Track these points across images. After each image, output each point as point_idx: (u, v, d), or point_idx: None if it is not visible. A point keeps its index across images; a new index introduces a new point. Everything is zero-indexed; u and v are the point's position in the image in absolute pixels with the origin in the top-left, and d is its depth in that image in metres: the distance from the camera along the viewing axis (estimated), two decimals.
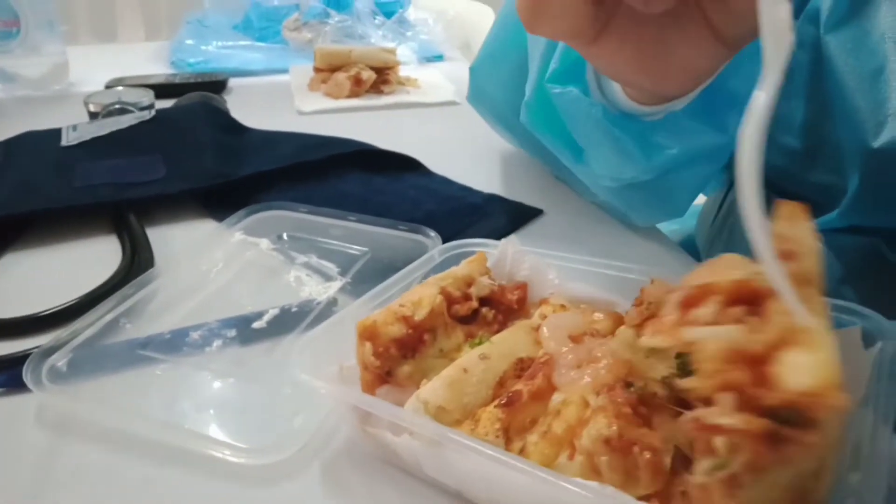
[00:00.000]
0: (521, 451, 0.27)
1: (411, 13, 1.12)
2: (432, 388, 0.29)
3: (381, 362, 0.31)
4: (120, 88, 0.75)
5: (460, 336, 0.34)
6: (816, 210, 0.51)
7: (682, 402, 0.25)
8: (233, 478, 0.32)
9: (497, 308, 0.36)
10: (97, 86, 0.89)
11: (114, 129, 0.62)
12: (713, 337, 0.24)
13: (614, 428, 0.25)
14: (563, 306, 0.35)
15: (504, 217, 0.57)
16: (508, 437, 0.28)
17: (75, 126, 0.64)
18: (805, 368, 0.21)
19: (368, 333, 0.31)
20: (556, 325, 0.32)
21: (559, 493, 0.24)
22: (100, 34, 2.75)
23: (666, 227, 0.80)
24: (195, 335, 0.39)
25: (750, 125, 0.25)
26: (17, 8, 0.84)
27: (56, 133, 0.63)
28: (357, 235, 0.50)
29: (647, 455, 0.25)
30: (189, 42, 1.02)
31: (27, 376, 0.35)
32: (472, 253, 0.42)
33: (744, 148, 0.24)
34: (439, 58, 1.06)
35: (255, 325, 0.40)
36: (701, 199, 0.73)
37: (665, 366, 0.28)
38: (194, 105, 0.69)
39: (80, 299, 0.43)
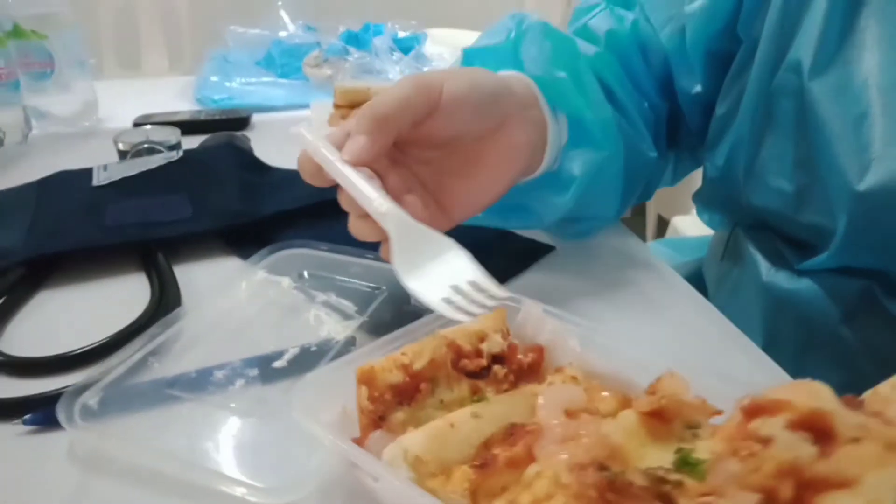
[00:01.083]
0: None
1: (428, 48, 1.15)
2: (415, 437, 0.30)
3: (375, 407, 0.32)
4: (148, 127, 0.78)
5: (465, 389, 0.35)
6: (810, 251, 0.53)
7: (660, 496, 0.26)
8: None
9: (509, 368, 0.37)
10: (125, 121, 0.93)
11: (143, 168, 0.65)
12: (784, 438, 0.23)
13: None
14: (574, 378, 0.35)
15: (516, 254, 0.58)
16: (476, 499, 0.28)
17: (106, 166, 0.67)
18: None
19: (366, 378, 0.33)
20: (554, 397, 0.32)
21: None
22: (125, 66, 2.82)
23: (674, 260, 0.81)
24: (219, 374, 0.41)
25: None
26: (51, 50, 0.87)
27: (87, 173, 0.66)
28: (374, 273, 0.51)
29: None
30: (213, 79, 1.05)
31: (60, 414, 0.36)
32: (506, 304, 0.43)
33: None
34: None
35: (276, 364, 0.42)
36: (708, 232, 0.75)
37: (659, 457, 0.29)
38: (220, 145, 0.72)
39: (109, 338, 0.45)
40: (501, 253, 0.58)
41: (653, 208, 2.38)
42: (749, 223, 0.62)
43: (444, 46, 1.16)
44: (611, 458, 0.27)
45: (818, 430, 0.25)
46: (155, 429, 0.39)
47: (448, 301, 0.39)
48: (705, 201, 0.66)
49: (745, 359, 0.47)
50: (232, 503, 0.33)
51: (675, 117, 0.64)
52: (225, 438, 0.38)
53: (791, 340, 0.47)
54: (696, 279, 0.71)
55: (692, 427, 0.31)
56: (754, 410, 0.26)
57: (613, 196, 0.58)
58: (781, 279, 0.56)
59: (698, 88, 0.59)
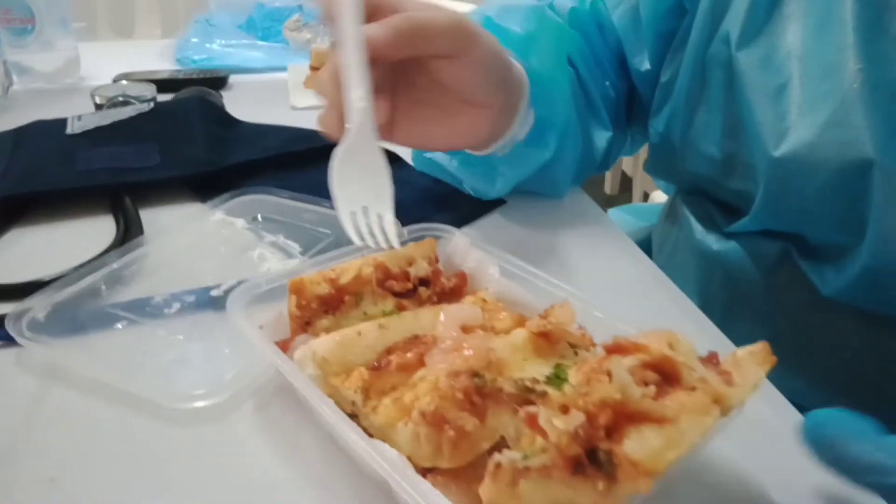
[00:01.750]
0: (373, 410, 0.31)
1: None
2: (323, 341, 0.33)
3: (302, 313, 0.36)
4: (124, 82, 0.81)
5: (390, 305, 0.39)
6: (736, 215, 0.56)
7: (524, 402, 0.29)
8: (172, 419, 0.37)
9: (433, 290, 0.41)
10: (106, 80, 0.95)
11: (115, 119, 0.68)
12: (620, 377, 0.26)
13: (433, 405, 0.29)
14: (484, 300, 0.39)
15: (468, 206, 0.61)
16: (368, 395, 0.32)
17: (80, 116, 0.69)
18: (648, 446, 0.24)
19: (296, 288, 0.36)
20: (453, 314, 0.36)
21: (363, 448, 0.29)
22: (118, 31, 2.82)
23: (629, 226, 0.85)
24: (158, 299, 0.45)
25: None
26: (32, 6, 0.89)
27: (62, 122, 0.69)
28: (326, 220, 0.54)
29: (451, 433, 0.28)
30: (194, 40, 1.07)
31: (9, 326, 0.40)
32: (436, 235, 0.47)
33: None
34: None
35: (213, 293, 0.45)
36: (663, 199, 0.78)
37: (538, 370, 0.32)
38: (190, 99, 0.75)
39: (71, 269, 0.48)
40: (454, 201, 0.62)
41: (639, 186, 2.41)
42: (686, 188, 0.65)
43: None
44: (488, 367, 0.31)
45: (666, 373, 0.28)
46: (95, 344, 0.42)
47: (353, 216, 0.42)
48: (651, 168, 0.69)
49: (675, 308, 0.50)
50: (158, 409, 0.37)
51: (630, 93, 0.67)
52: (155, 354, 0.42)
53: (719, 300, 0.50)
54: (647, 243, 0.75)
55: (576, 347, 0.35)
56: (614, 349, 0.29)
57: (557, 184, 0.61)
58: (711, 241, 0.60)
59: (647, 66, 0.62)
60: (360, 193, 0.43)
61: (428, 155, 0.63)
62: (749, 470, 0.35)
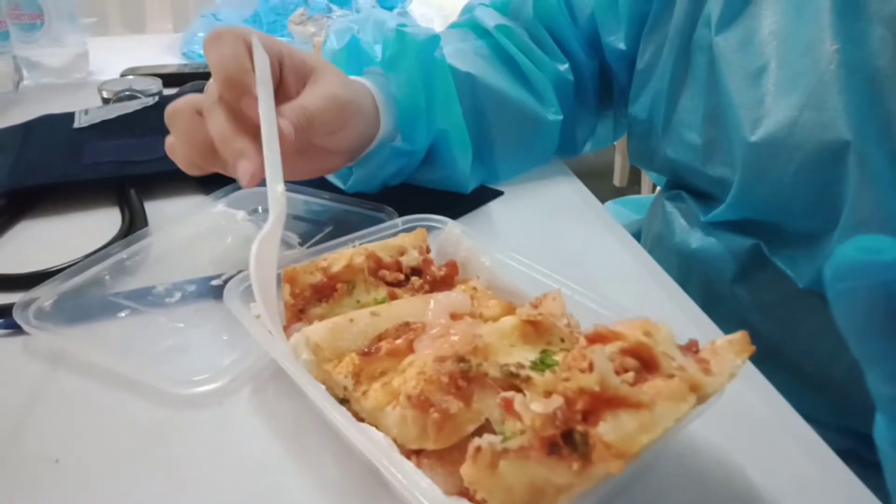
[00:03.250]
0: (364, 394, 0.32)
1: (413, 9, 1.18)
2: (317, 328, 0.34)
3: (296, 301, 0.37)
4: (131, 77, 0.82)
5: (383, 293, 0.40)
6: (713, 203, 0.56)
7: (509, 387, 0.30)
8: (173, 403, 0.38)
9: (424, 279, 0.42)
10: (114, 74, 0.97)
11: (121, 112, 0.69)
12: (601, 366, 0.26)
13: (419, 389, 0.30)
14: (475, 289, 0.40)
15: (467, 197, 0.62)
16: (359, 380, 0.33)
17: (87, 110, 0.71)
18: (622, 429, 0.25)
19: (289, 277, 0.38)
20: (442, 302, 0.37)
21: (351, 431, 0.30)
22: (129, 27, 2.85)
23: (625, 219, 0.85)
24: (160, 288, 0.46)
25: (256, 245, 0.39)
26: (41, 2, 0.91)
27: (70, 116, 0.70)
28: (326, 212, 0.55)
29: (436, 416, 0.29)
30: (200, 35, 1.09)
31: (17, 315, 0.42)
32: (429, 225, 0.48)
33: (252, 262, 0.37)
34: None
35: (213, 282, 0.47)
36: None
37: (524, 356, 0.33)
38: (195, 91, 0.76)
39: (77, 259, 0.50)
40: (454, 194, 0.62)
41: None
42: (668, 183, 0.66)
43: (430, 7, 1.19)
44: (474, 352, 0.31)
45: (644, 360, 0.29)
46: (99, 331, 0.44)
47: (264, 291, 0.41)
48: (632, 156, 0.70)
49: (667, 298, 0.51)
50: (159, 394, 0.39)
51: (605, 74, 0.68)
52: (159, 340, 0.43)
53: (696, 299, 0.51)
54: (640, 236, 0.75)
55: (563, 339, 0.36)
56: (595, 338, 0.30)
57: (458, 180, 0.61)
58: (690, 239, 0.60)
59: (623, 46, 0.63)
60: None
61: None
62: (733, 455, 0.36)
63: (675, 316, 0.48)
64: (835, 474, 0.35)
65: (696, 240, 0.60)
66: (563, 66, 0.65)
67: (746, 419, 0.38)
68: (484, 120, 0.63)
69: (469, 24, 0.67)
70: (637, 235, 0.75)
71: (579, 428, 0.24)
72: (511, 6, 0.66)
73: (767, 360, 0.40)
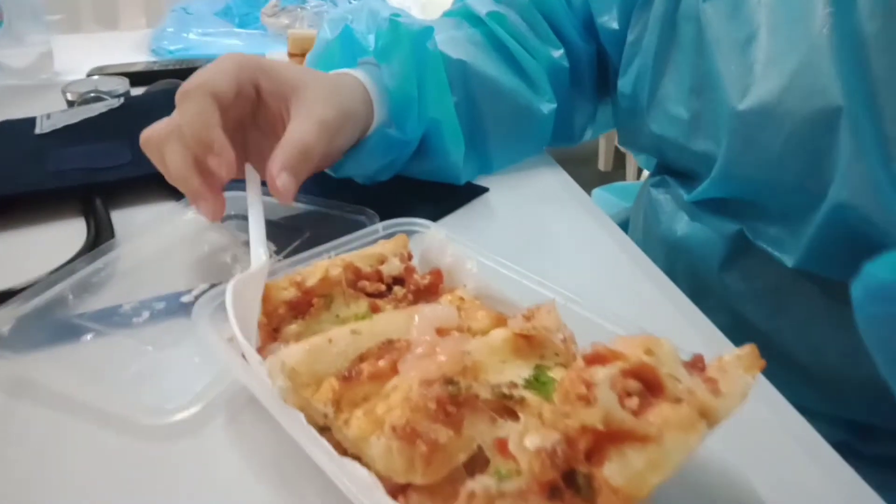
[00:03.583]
0: (346, 423, 0.29)
1: None
2: (292, 351, 0.32)
3: (270, 320, 0.35)
4: (96, 77, 0.78)
5: (363, 306, 0.37)
6: (697, 183, 0.55)
7: (502, 409, 0.28)
8: (141, 436, 0.36)
9: (408, 289, 0.39)
10: (81, 74, 0.93)
11: (85, 116, 0.66)
12: (604, 399, 0.24)
13: (404, 419, 0.27)
14: (462, 298, 0.37)
15: (450, 195, 0.59)
16: (340, 407, 0.30)
17: (49, 115, 0.67)
18: (630, 469, 0.22)
19: (265, 295, 0.35)
20: (428, 316, 0.34)
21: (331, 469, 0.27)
22: (102, 22, 2.78)
23: (612, 207, 0.83)
24: (127, 307, 0.43)
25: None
26: None
27: (31, 122, 0.67)
28: (302, 216, 0.53)
29: (424, 448, 0.26)
30: (170, 30, 1.05)
31: None
32: (413, 230, 0.45)
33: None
34: None
35: (184, 298, 0.44)
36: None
37: (516, 373, 0.30)
38: (161, 92, 0.73)
39: (40, 278, 0.47)
40: (436, 191, 0.60)
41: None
42: (654, 158, 0.65)
43: None
44: (463, 373, 0.29)
45: (648, 382, 0.26)
46: (63, 357, 0.41)
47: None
48: (620, 136, 0.68)
49: (662, 297, 0.49)
50: (126, 425, 0.36)
51: (602, 59, 0.65)
52: (126, 365, 0.40)
53: (684, 289, 0.49)
54: (626, 226, 0.74)
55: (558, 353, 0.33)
56: (593, 358, 0.28)
57: (450, 171, 0.60)
58: (676, 226, 0.59)
59: (615, 25, 0.61)
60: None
61: None
62: (739, 468, 0.34)
63: (673, 318, 0.46)
64: (834, 471, 0.34)
65: (681, 227, 0.58)
66: (558, 53, 0.64)
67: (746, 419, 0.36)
68: (477, 109, 0.61)
69: (462, 13, 0.65)
70: (625, 224, 0.73)
71: (582, 469, 0.22)
72: None
73: (760, 349, 0.39)
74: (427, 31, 0.56)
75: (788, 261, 0.50)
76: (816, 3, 0.44)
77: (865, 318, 0.19)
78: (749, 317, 0.55)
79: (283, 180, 0.45)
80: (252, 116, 0.50)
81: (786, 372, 0.51)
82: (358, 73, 0.54)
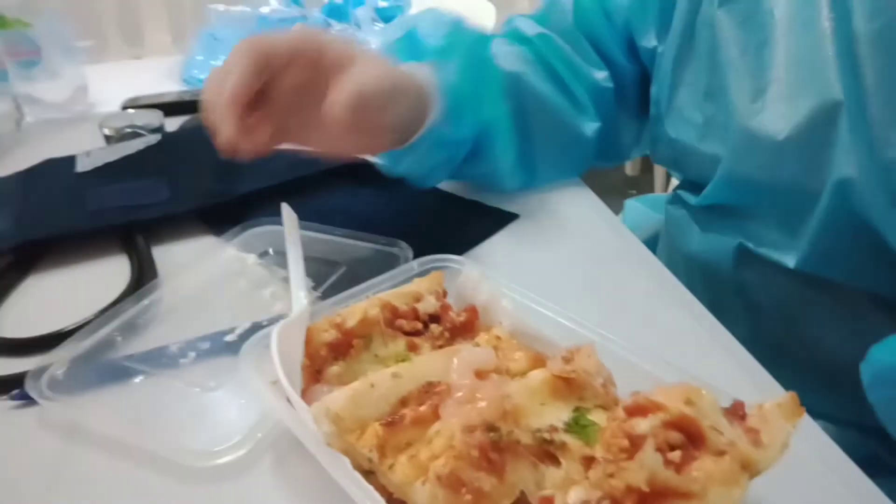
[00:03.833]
0: (390, 468, 0.30)
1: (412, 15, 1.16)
2: (337, 397, 0.33)
3: (312, 362, 0.36)
4: (132, 111, 0.81)
5: (401, 345, 0.38)
6: (705, 187, 0.56)
7: (543, 453, 0.28)
8: (189, 478, 0.37)
9: (444, 326, 0.40)
10: (115, 104, 0.95)
11: (123, 153, 0.68)
12: (649, 460, 0.25)
13: (448, 467, 0.28)
14: (498, 337, 0.38)
15: (481, 224, 0.60)
16: (384, 452, 0.31)
17: (89, 152, 0.70)
18: None
19: (306, 337, 0.36)
20: (466, 359, 0.35)
21: None
22: (128, 41, 2.85)
23: (645, 219, 0.83)
24: (174, 348, 0.45)
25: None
26: (36, 39, 0.90)
27: (71, 160, 0.69)
28: (337, 250, 0.54)
29: (468, 497, 0.27)
30: (199, 58, 1.07)
31: (30, 388, 0.40)
32: (448, 267, 0.46)
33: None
34: None
35: (227, 338, 0.45)
36: None
37: (556, 415, 0.31)
38: (196, 127, 0.74)
39: (89, 318, 0.49)
40: (466, 219, 0.61)
41: (660, 167, 2.37)
42: (669, 167, 0.67)
43: None
44: (503, 418, 0.30)
45: (690, 434, 0.27)
46: (112, 400, 0.42)
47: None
48: (648, 147, 0.70)
49: (698, 327, 0.49)
50: (174, 467, 0.37)
51: (646, 78, 0.67)
52: (175, 406, 0.42)
53: (704, 301, 0.51)
54: (652, 244, 0.75)
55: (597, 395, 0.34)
56: (634, 409, 0.28)
57: (497, 177, 0.63)
58: (691, 242, 0.61)
59: (654, 42, 0.63)
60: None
61: None
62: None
63: (709, 351, 0.46)
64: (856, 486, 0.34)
65: (694, 242, 0.61)
66: (602, 74, 0.66)
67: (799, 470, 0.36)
68: (527, 121, 0.64)
69: (510, 34, 0.68)
70: (656, 237, 0.74)
71: None
72: (550, 17, 0.68)
73: (774, 357, 0.42)
74: (487, 38, 0.60)
75: (790, 261, 0.52)
76: (821, 10, 0.48)
77: (876, 400, 0.19)
78: (767, 328, 0.57)
79: (340, 108, 0.45)
80: (308, 87, 0.50)
81: (808, 381, 0.52)
82: (419, 69, 0.56)
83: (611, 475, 0.24)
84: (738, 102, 0.52)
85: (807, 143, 0.49)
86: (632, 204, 0.97)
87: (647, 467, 0.24)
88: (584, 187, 0.69)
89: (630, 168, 2.59)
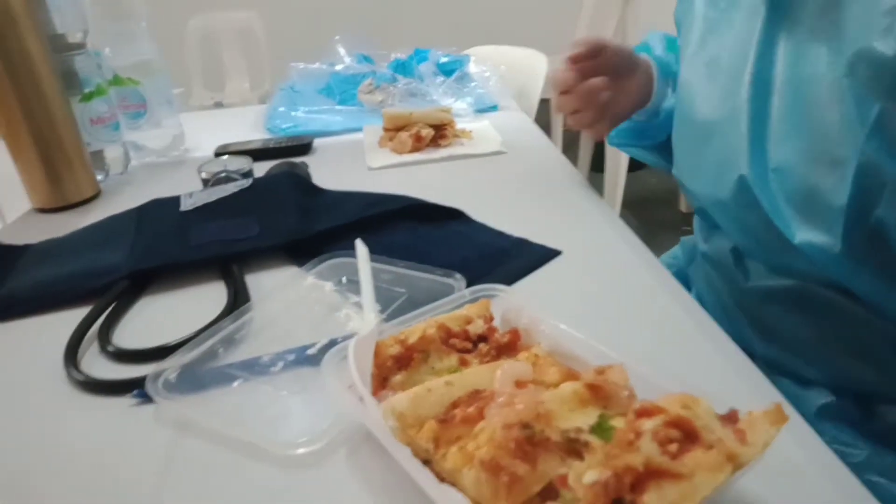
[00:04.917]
0: (443, 457, 0.37)
1: (472, 68, 1.25)
2: (400, 398, 0.40)
3: (380, 371, 0.43)
4: (225, 157, 0.92)
5: (454, 360, 0.46)
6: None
7: (571, 450, 0.35)
8: (277, 465, 0.45)
9: (490, 346, 0.47)
10: (208, 150, 1.08)
11: (220, 195, 0.78)
12: (646, 447, 0.31)
13: (490, 455, 0.34)
14: (536, 355, 0.45)
15: (526, 259, 0.67)
16: (438, 444, 0.38)
17: (191, 194, 0.81)
18: (665, 498, 0.29)
19: (375, 350, 0.44)
20: (507, 371, 0.42)
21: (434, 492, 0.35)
22: (210, 88, 3.06)
23: (664, 259, 0.88)
24: (266, 358, 0.53)
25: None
26: (144, 93, 1.03)
27: (176, 200, 0.80)
28: (400, 280, 0.62)
29: (506, 478, 0.33)
30: (281, 109, 1.19)
31: (149, 388, 0.49)
32: (495, 295, 0.53)
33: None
34: (494, 108, 1.18)
35: (309, 351, 0.54)
36: None
37: (583, 420, 0.37)
38: (281, 173, 0.85)
39: (193, 333, 0.58)
40: (514, 254, 0.68)
41: None
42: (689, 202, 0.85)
43: (487, 65, 1.26)
44: (537, 419, 0.36)
45: (687, 432, 0.33)
46: (217, 399, 0.51)
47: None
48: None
49: (725, 362, 0.54)
50: (266, 455, 0.45)
51: None
52: (266, 406, 0.50)
53: (710, 301, 0.60)
54: (682, 277, 0.84)
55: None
56: (641, 412, 0.35)
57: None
58: (698, 242, 0.74)
59: None
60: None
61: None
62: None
63: (727, 376, 0.52)
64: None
65: (700, 243, 0.75)
66: None
67: (787, 468, 0.42)
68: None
69: (642, 48, 0.89)
70: (678, 274, 0.83)
71: (628, 497, 0.29)
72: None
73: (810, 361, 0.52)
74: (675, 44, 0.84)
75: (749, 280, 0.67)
76: (748, 60, 0.60)
77: None
78: (792, 330, 0.65)
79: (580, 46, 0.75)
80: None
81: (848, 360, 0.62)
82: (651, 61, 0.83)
83: (615, 457, 0.31)
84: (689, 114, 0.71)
85: (713, 151, 0.64)
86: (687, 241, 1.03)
87: (643, 453, 0.30)
88: (626, 229, 0.75)
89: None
